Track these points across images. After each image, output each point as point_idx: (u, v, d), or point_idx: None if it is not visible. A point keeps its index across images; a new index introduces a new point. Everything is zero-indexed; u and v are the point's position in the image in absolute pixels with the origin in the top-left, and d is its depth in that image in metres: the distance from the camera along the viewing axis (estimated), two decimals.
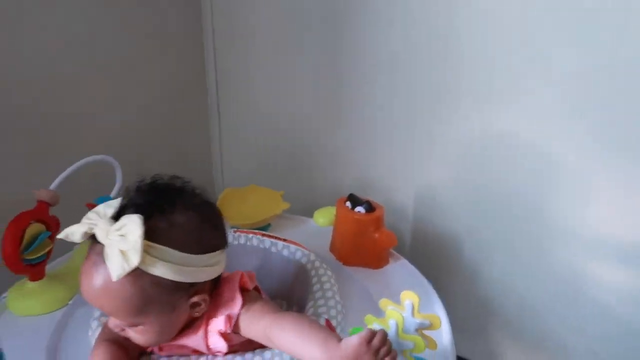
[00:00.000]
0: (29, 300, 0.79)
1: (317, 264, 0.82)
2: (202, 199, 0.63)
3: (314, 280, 0.79)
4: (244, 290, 0.64)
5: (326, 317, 0.71)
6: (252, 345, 0.66)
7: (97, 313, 0.72)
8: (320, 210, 1.04)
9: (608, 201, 0.90)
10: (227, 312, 0.62)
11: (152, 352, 0.66)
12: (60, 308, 0.80)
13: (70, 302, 0.82)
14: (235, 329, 0.63)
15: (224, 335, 0.62)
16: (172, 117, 1.27)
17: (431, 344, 0.61)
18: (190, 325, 0.63)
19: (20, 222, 0.76)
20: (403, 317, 0.58)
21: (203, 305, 0.62)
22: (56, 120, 1.03)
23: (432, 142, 1.06)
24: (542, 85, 0.91)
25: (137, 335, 0.60)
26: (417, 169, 1.09)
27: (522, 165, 0.97)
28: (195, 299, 0.60)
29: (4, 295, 0.82)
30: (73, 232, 0.57)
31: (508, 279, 1.04)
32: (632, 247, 0.89)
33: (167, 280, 0.56)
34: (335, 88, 1.15)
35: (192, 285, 0.60)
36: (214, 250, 0.61)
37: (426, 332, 0.61)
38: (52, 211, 0.82)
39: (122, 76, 1.14)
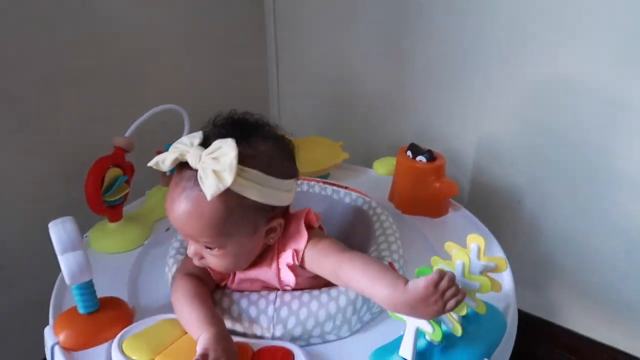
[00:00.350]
0: (109, 240, 0.85)
1: (378, 210, 0.84)
2: (276, 131, 0.67)
3: (377, 225, 0.81)
4: (309, 227, 0.67)
5: (389, 260, 0.73)
6: (319, 283, 0.70)
7: (172, 252, 0.77)
8: (380, 160, 1.05)
9: None
10: (294, 247, 0.66)
11: (225, 287, 0.70)
12: (136, 247, 0.86)
13: (146, 242, 0.88)
14: (302, 263, 0.66)
15: (291, 268, 0.66)
16: (233, 69, 1.29)
17: (496, 286, 0.62)
18: (262, 258, 0.67)
19: (101, 166, 0.81)
20: (470, 258, 0.59)
21: (278, 231, 0.66)
22: (130, 73, 1.08)
23: (494, 89, 1.03)
24: (610, 28, 0.87)
25: (216, 259, 0.64)
26: (479, 118, 1.07)
27: (589, 112, 0.93)
28: (272, 223, 0.64)
29: (86, 234, 0.88)
30: (163, 159, 0.60)
31: (570, 232, 1.02)
32: None
33: (253, 201, 0.60)
34: (397, 35, 1.13)
35: (272, 209, 0.63)
36: (290, 178, 0.65)
37: (490, 275, 0.62)
38: (128, 157, 0.87)
39: (189, 31, 1.18)
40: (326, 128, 1.32)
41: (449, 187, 0.89)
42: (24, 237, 0.97)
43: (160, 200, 0.95)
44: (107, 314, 0.67)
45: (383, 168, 1.04)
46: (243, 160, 0.58)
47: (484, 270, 0.61)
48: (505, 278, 0.74)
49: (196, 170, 0.58)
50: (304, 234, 0.66)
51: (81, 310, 0.66)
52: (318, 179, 0.93)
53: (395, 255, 0.74)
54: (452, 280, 0.53)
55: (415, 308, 0.53)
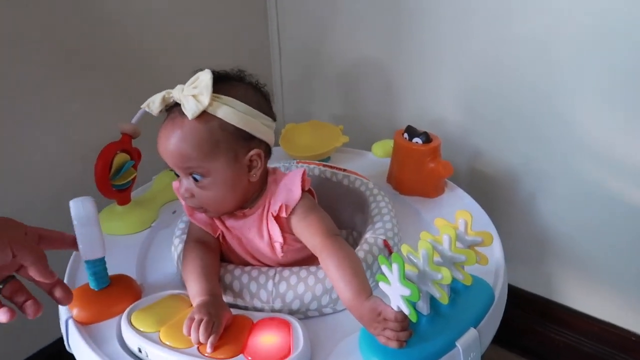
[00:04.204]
0: (118, 222, 0.89)
1: (375, 191, 0.87)
2: (254, 80, 0.73)
3: (373, 205, 0.84)
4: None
5: (383, 238, 0.76)
6: (308, 258, 0.74)
7: (178, 232, 0.81)
8: (378, 143, 1.08)
9: None
10: (284, 202, 0.70)
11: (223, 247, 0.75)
12: (144, 229, 0.90)
13: (153, 224, 0.92)
14: (290, 226, 0.71)
15: (278, 220, 0.70)
16: (236, 56, 1.32)
17: (483, 259, 0.65)
18: (253, 210, 0.73)
19: (109, 151, 0.85)
20: (456, 232, 0.62)
21: (259, 166, 0.70)
22: (136, 61, 1.12)
23: (484, 74, 1.05)
24: None
25: (205, 192, 0.69)
26: (475, 101, 1.09)
27: (576, 91, 0.95)
28: (252, 152, 0.69)
29: None
30: (153, 101, 0.68)
31: (565, 210, 1.05)
32: None
33: (231, 126, 0.67)
34: (394, 19, 1.14)
35: (250, 139, 0.69)
36: (267, 115, 0.71)
37: (479, 249, 0.65)
38: (134, 143, 0.91)
39: (191, 22, 1.20)
40: (327, 113, 1.35)
41: (444, 168, 0.91)
42: (42, 219, 1.01)
43: (167, 184, 0.99)
44: (117, 290, 0.72)
45: (381, 150, 1.06)
46: (220, 90, 0.66)
47: (472, 244, 0.64)
48: (496, 252, 0.77)
49: (180, 105, 0.65)
50: (297, 193, 0.70)
51: (93, 286, 0.70)
52: (317, 162, 0.96)
53: (390, 233, 0.77)
54: (398, 325, 0.57)
55: (362, 321, 0.61)
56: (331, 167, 0.94)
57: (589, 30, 0.91)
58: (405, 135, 0.95)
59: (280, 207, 0.70)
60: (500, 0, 0.98)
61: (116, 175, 0.86)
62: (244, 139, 0.68)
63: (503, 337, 1.00)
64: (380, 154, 1.07)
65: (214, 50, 1.26)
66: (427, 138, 0.92)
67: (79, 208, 0.65)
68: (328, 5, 1.25)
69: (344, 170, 0.93)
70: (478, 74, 1.06)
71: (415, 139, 0.93)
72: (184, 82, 0.72)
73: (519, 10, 0.97)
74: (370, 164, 1.05)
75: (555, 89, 0.97)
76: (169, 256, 0.81)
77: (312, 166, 0.94)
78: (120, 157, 0.87)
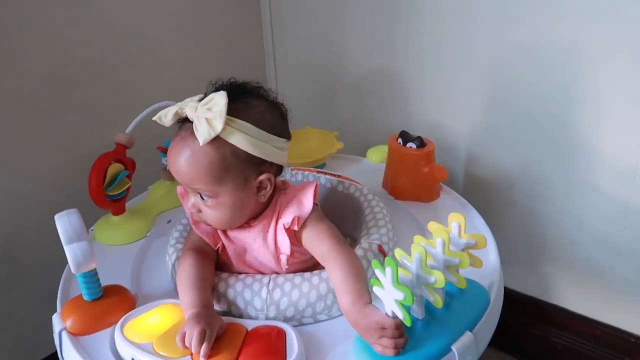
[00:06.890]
0: (113, 232, 0.89)
1: (369, 196, 0.87)
2: (270, 95, 0.72)
3: (367, 211, 0.84)
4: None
5: (378, 243, 0.76)
6: (310, 268, 0.73)
7: (172, 241, 0.81)
8: (373, 149, 1.08)
9: None
10: (297, 214, 0.70)
11: (222, 257, 0.75)
12: (139, 239, 0.90)
13: (148, 234, 0.91)
14: (300, 238, 0.70)
15: (288, 232, 0.70)
16: (232, 63, 1.32)
17: (477, 262, 0.65)
18: (260, 221, 0.72)
19: (102, 162, 0.85)
20: (450, 235, 0.61)
21: (268, 188, 0.69)
22: (130, 71, 1.12)
23: (482, 78, 1.05)
24: None
25: (211, 211, 0.68)
26: (470, 106, 1.09)
27: (573, 97, 0.95)
28: (262, 177, 0.68)
29: (92, 228, 0.92)
30: (166, 114, 0.66)
31: (561, 213, 1.04)
32: None
33: (243, 152, 0.65)
34: (387, 24, 1.15)
35: (262, 163, 0.68)
36: (281, 137, 0.69)
37: (473, 252, 0.65)
38: (129, 153, 0.91)
39: (187, 28, 1.21)
40: (321, 120, 1.35)
41: (439, 172, 0.91)
42: (37, 231, 1.01)
43: (162, 194, 0.99)
44: (110, 301, 0.71)
45: (376, 156, 1.06)
46: (235, 112, 0.64)
47: (466, 247, 0.64)
48: (491, 255, 0.76)
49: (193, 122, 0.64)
50: (310, 205, 0.70)
51: (86, 297, 0.70)
52: (312, 169, 0.95)
53: (385, 237, 0.77)
54: (396, 332, 0.57)
55: (358, 327, 0.60)
56: (325, 172, 0.94)
57: (589, 35, 0.91)
58: (400, 140, 0.95)
59: (293, 220, 0.69)
60: (501, 5, 0.98)
61: (110, 185, 0.86)
62: (255, 164, 0.68)
63: (502, 341, 1.00)
64: (375, 160, 1.07)
65: (208, 59, 1.26)
66: (421, 143, 0.92)
67: (65, 223, 0.63)
68: (322, 13, 1.25)
69: (338, 176, 0.93)
70: (474, 79, 1.06)
71: (410, 144, 0.93)
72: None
73: (518, 16, 0.97)
74: (365, 170, 1.05)
75: (552, 92, 0.97)
76: (164, 265, 0.81)
77: (306, 172, 0.94)
78: (114, 167, 0.87)
